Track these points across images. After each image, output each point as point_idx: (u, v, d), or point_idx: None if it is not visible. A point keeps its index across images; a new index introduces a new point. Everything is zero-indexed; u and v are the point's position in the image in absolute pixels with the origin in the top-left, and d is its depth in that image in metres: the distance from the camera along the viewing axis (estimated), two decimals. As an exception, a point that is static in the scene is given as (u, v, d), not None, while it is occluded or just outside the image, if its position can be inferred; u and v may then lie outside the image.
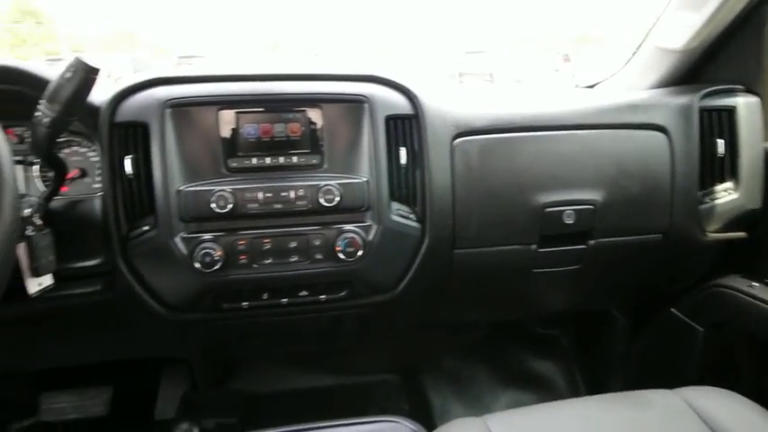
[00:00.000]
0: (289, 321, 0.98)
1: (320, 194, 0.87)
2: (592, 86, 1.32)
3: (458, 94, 1.09)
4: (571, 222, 0.99)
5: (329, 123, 0.90)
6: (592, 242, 1.03)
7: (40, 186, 0.92)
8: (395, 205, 0.93)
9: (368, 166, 0.90)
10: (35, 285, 0.79)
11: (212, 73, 0.91)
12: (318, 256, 0.89)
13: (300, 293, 0.92)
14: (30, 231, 0.77)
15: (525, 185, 0.98)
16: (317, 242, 0.89)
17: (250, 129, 0.88)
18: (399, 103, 0.93)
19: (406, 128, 0.93)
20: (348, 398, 1.44)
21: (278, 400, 1.40)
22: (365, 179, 0.89)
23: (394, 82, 0.93)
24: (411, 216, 0.94)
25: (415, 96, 0.92)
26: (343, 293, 0.94)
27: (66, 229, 0.84)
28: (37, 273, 0.78)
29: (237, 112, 0.88)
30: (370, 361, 1.49)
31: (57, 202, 0.86)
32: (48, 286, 0.81)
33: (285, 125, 0.89)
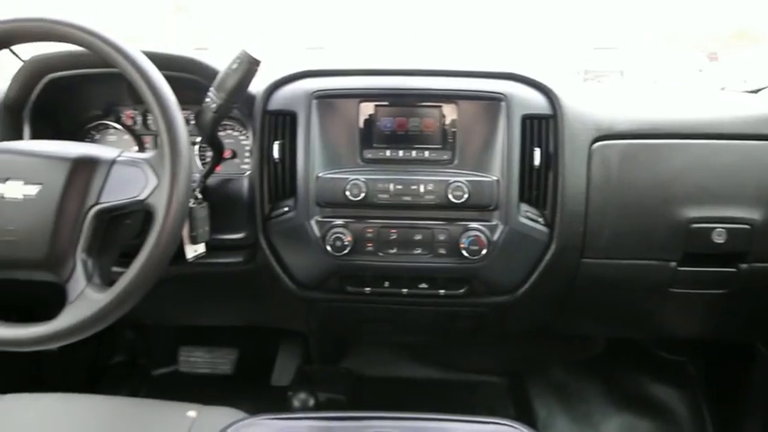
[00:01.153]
0: (405, 311, 1.00)
1: (449, 190, 0.87)
2: (755, 91, 1.17)
3: (599, 94, 1.03)
4: (721, 242, 0.90)
5: (463, 120, 0.90)
6: (744, 266, 0.93)
7: (197, 164, 1.04)
8: (523, 207, 0.91)
9: (499, 166, 0.89)
10: (191, 251, 0.89)
11: (356, 67, 0.95)
12: (442, 251, 0.90)
13: (420, 285, 0.94)
14: (191, 203, 0.87)
15: (670, 197, 0.90)
16: (442, 237, 0.90)
17: (386, 122, 0.92)
18: (538, 103, 0.90)
19: (543, 128, 0.90)
20: (453, 393, 1.45)
21: (384, 384, 1.44)
22: (495, 178, 0.88)
23: (534, 80, 0.91)
24: (539, 220, 0.91)
25: (555, 96, 0.89)
26: (461, 290, 0.94)
27: (217, 204, 0.93)
28: (194, 241, 0.88)
29: (376, 105, 0.91)
30: (477, 360, 1.48)
31: (211, 180, 0.96)
32: (201, 254, 0.91)
33: (420, 120, 0.91)
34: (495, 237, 0.89)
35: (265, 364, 1.49)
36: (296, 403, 1.13)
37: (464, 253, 0.89)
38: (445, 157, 0.91)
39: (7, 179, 0.68)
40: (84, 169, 0.69)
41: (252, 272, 1.00)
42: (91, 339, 0.69)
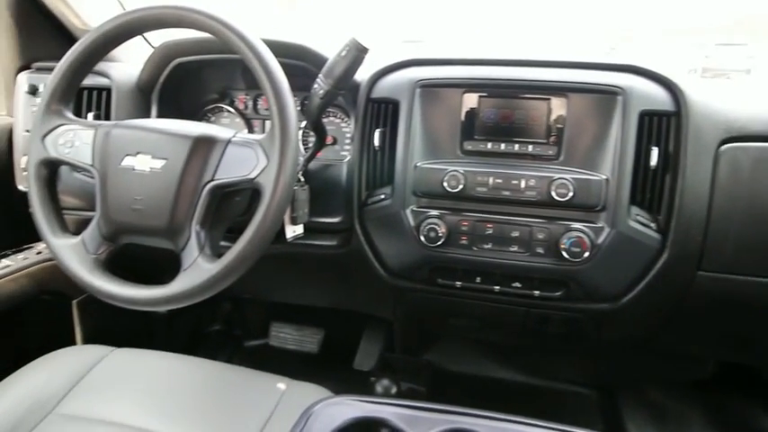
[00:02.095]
0: (495, 309, 0.97)
1: (552, 187, 0.83)
2: None
3: (730, 91, 0.93)
4: None
5: (574, 114, 0.85)
6: None
7: (300, 149, 1.08)
8: (634, 210, 0.84)
9: (610, 164, 0.83)
10: (291, 232, 0.93)
11: (462, 57, 0.94)
12: (539, 250, 0.86)
13: (513, 284, 0.91)
14: (294, 186, 0.91)
15: None
16: (541, 236, 0.86)
17: (490, 113, 0.89)
18: (659, 98, 0.83)
19: (663, 126, 0.83)
20: (536, 399, 1.40)
21: (465, 381, 1.42)
22: (604, 177, 0.83)
23: (657, 74, 0.84)
24: (651, 225, 0.84)
25: (680, 92, 0.81)
26: (558, 293, 0.90)
27: (316, 188, 0.96)
28: (294, 222, 0.91)
29: (480, 96, 0.89)
30: (565, 367, 1.41)
31: (312, 164, 1.00)
32: (299, 234, 0.94)
33: (525, 112, 0.88)
34: (600, 240, 0.83)
35: (349, 347, 1.53)
36: (379, 389, 1.15)
37: (564, 254, 0.84)
38: (550, 152, 0.87)
39: (138, 153, 0.75)
40: (203, 147, 0.74)
41: (345, 256, 1.02)
42: (194, 307, 0.74)
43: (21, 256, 1.12)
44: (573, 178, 0.83)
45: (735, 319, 0.97)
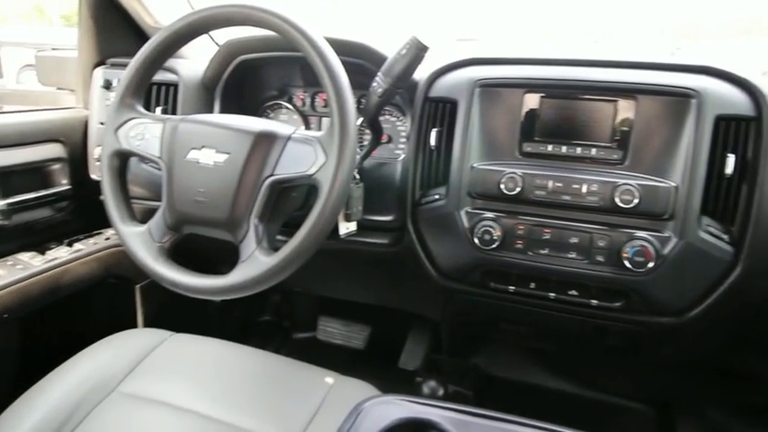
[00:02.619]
0: (549, 317, 0.95)
1: (616, 193, 0.80)
2: None
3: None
4: None
5: (642, 118, 0.81)
6: None
7: None
8: (705, 220, 0.79)
9: (680, 171, 0.79)
10: (344, 228, 0.93)
11: (524, 56, 0.91)
12: (599, 258, 0.83)
13: (570, 292, 0.88)
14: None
15: None
16: (602, 243, 0.82)
17: (551, 114, 0.86)
18: (737, 102, 0.78)
19: (741, 131, 0.77)
20: (588, 412, 1.35)
21: (513, 388, 1.39)
22: (674, 185, 0.78)
23: (736, 76, 0.78)
24: (724, 236, 0.79)
25: (762, 95, 0.76)
26: (617, 304, 0.86)
27: (370, 186, 0.96)
28: (348, 218, 0.92)
29: (542, 97, 0.86)
30: (620, 381, 1.35)
31: (367, 162, 1.00)
32: (352, 231, 0.95)
33: (590, 115, 0.84)
34: (666, 250, 0.79)
35: (394, 346, 1.53)
36: (425, 390, 1.14)
37: (626, 263, 0.80)
38: (615, 156, 0.83)
39: (203, 147, 0.78)
40: (264, 143, 0.75)
41: (396, 255, 1.02)
42: (245, 298, 0.76)
43: (91, 240, 1.19)
44: (639, 184, 0.79)
45: None
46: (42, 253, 1.10)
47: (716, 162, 0.78)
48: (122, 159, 0.85)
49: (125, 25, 1.21)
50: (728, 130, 0.78)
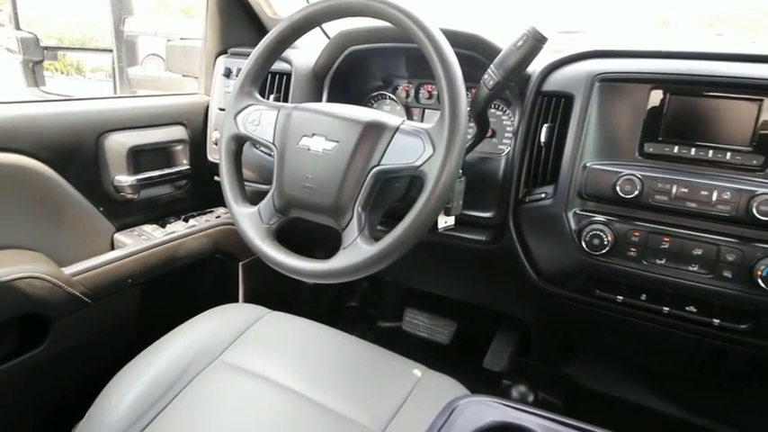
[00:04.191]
0: (660, 333, 0.87)
1: (754, 203, 0.71)
2: None
3: None
4: None
5: None
6: None
7: None
8: None
9: None
10: (443, 222, 0.92)
11: (649, 49, 0.84)
12: (726, 274, 0.75)
13: (687, 308, 0.81)
14: None
15: None
16: (731, 257, 0.74)
17: (680, 113, 0.79)
18: None
19: None
20: None
21: (607, 403, 1.31)
22: None
23: None
24: None
25: None
26: (743, 326, 0.77)
27: (472, 180, 0.94)
28: (448, 213, 0.90)
29: (670, 94, 0.79)
30: (730, 408, 1.22)
31: (469, 156, 0.98)
32: (450, 226, 0.93)
33: (725, 114, 0.76)
34: None
35: (479, 345, 1.50)
36: (514, 394, 1.11)
37: (759, 282, 0.72)
38: (755, 162, 0.74)
39: (314, 134, 0.80)
40: (372, 132, 0.76)
41: (494, 252, 0.99)
42: (337, 283, 0.77)
43: (204, 218, 1.28)
44: None
45: None
46: (163, 226, 1.21)
47: None
48: (239, 143, 0.90)
49: (246, 17, 1.28)
50: None
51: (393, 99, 1.16)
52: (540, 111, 0.88)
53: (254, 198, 0.89)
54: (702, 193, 0.75)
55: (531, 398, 1.10)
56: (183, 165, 1.25)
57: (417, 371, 0.88)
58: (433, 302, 1.60)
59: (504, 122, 1.04)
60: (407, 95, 1.15)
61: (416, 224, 0.71)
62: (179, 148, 1.24)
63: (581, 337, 1.14)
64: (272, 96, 1.13)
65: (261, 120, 0.87)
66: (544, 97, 0.88)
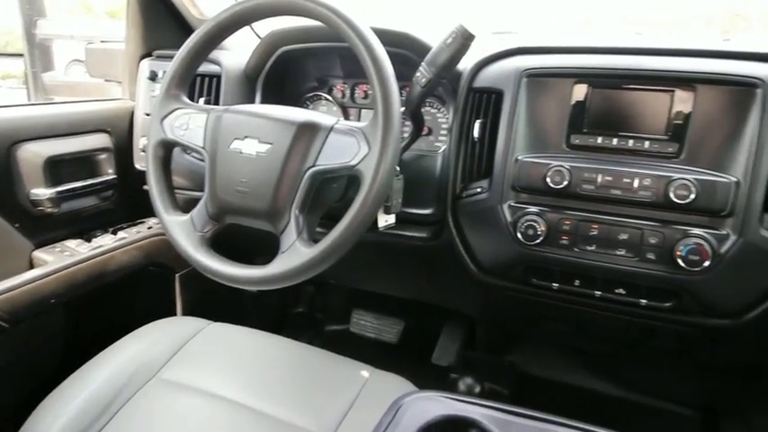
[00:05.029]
0: (594, 316, 0.91)
1: (671, 188, 0.76)
2: None
3: None
4: None
5: (701, 108, 0.77)
6: None
7: None
8: None
9: (743, 165, 0.74)
10: (383, 221, 0.92)
11: (572, 45, 0.88)
12: (650, 256, 0.79)
13: (617, 290, 0.85)
14: None
15: None
16: (653, 240, 0.79)
17: (602, 105, 0.83)
18: None
19: None
20: (630, 415, 1.30)
21: (551, 388, 1.36)
22: (734, 180, 0.74)
23: None
24: None
25: None
26: (668, 304, 0.82)
27: (410, 178, 0.94)
28: (387, 211, 0.90)
29: (593, 87, 0.83)
30: (664, 383, 1.30)
31: (406, 154, 0.98)
32: (391, 224, 0.93)
33: (643, 105, 0.81)
34: (724, 248, 0.75)
35: (427, 341, 1.51)
36: (462, 387, 1.13)
37: (679, 262, 0.77)
38: (670, 149, 0.79)
39: (246, 137, 0.78)
40: (306, 133, 0.75)
41: (434, 249, 1.00)
42: (280, 289, 0.76)
43: (134, 229, 1.22)
44: (696, 179, 0.75)
45: None
46: (88, 240, 1.13)
47: None
48: (167, 149, 0.86)
49: (170, 17, 1.23)
50: None
51: (329, 99, 1.15)
52: (472, 107, 0.90)
53: (188, 206, 0.85)
54: (625, 180, 0.79)
55: (477, 389, 1.13)
56: (109, 174, 1.19)
57: (365, 372, 0.87)
58: (379, 302, 1.60)
59: (440, 120, 1.06)
60: (343, 95, 1.14)
61: (355, 224, 0.70)
62: (103, 156, 1.17)
63: (523, 326, 1.17)
64: (201, 100, 1.09)
65: (190, 124, 0.84)
66: (475, 94, 0.90)
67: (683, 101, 0.78)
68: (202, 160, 0.82)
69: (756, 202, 0.74)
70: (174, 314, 1.30)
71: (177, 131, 0.84)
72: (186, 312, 1.30)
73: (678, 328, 0.87)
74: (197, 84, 1.09)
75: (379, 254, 1.16)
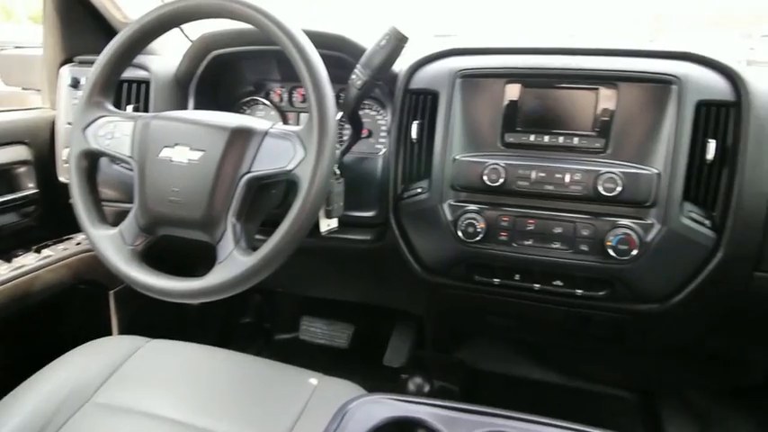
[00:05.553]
0: (534, 308, 0.94)
1: (599, 182, 0.79)
2: None
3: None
4: None
5: (624, 105, 0.81)
6: None
7: None
8: (687, 206, 0.79)
9: (662, 158, 0.79)
10: (325, 225, 0.91)
11: (504, 45, 0.90)
12: (583, 248, 0.83)
13: (555, 282, 0.88)
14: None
15: None
16: (585, 232, 0.82)
17: (533, 104, 0.85)
18: (717, 87, 0.78)
19: (721, 117, 0.78)
20: (574, 402, 1.35)
21: (499, 381, 1.39)
22: (656, 171, 0.78)
23: (716, 61, 0.79)
24: (705, 222, 0.80)
25: (741, 80, 0.76)
26: (601, 293, 0.86)
27: (351, 181, 0.94)
28: (329, 215, 0.90)
29: (524, 87, 0.85)
30: (604, 370, 1.36)
31: (347, 157, 0.98)
32: (333, 228, 0.93)
33: (571, 103, 0.84)
34: (650, 237, 0.79)
35: (379, 344, 1.51)
36: (411, 387, 1.13)
37: (610, 252, 0.80)
38: (597, 145, 0.83)
39: (176, 144, 0.75)
40: (240, 139, 0.73)
41: (379, 251, 1.00)
42: (226, 300, 0.74)
43: (61, 246, 1.15)
44: (621, 172, 0.79)
45: None
46: (8, 260, 1.06)
47: (697, 148, 0.78)
48: (91, 160, 0.82)
49: (92, 21, 1.16)
50: (709, 116, 0.78)
51: (266, 104, 1.12)
52: (409, 108, 0.91)
53: (119, 219, 0.81)
54: (557, 176, 0.82)
55: (427, 388, 1.14)
56: (29, 189, 1.11)
57: (313, 379, 0.86)
58: (329, 308, 1.59)
59: (380, 122, 1.06)
60: (281, 99, 1.12)
61: (294, 229, 0.69)
62: (22, 170, 1.10)
63: (470, 323, 1.19)
64: (129, 107, 1.04)
65: (115, 132, 0.80)
66: (412, 95, 0.91)
67: (607, 98, 0.82)
68: (131, 170, 0.78)
69: (676, 193, 0.78)
70: (110, 334, 1.24)
71: (102, 141, 0.80)
72: (123, 331, 1.24)
73: (612, 315, 0.91)
74: (124, 90, 1.04)
75: (324, 259, 1.15)
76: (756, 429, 1.25)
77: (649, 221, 0.79)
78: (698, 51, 0.80)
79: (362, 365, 1.49)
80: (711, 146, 0.77)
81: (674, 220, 0.78)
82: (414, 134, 0.89)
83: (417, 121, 0.90)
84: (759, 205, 0.77)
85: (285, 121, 1.13)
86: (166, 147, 0.75)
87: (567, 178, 0.81)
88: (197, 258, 1.15)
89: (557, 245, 0.84)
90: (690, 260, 0.81)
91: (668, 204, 0.78)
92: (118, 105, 1.01)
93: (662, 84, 0.79)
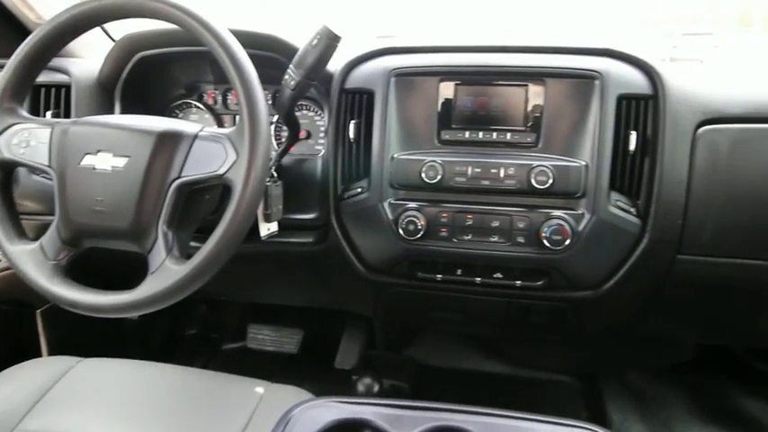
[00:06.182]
0: (477, 301, 0.96)
1: (532, 175, 0.82)
2: None
3: (705, 74, 0.93)
4: None
5: (552, 100, 0.84)
6: None
7: (273, 143, 1.04)
8: (614, 196, 0.83)
9: (589, 150, 0.82)
10: (265, 230, 0.89)
11: (438, 44, 0.91)
12: (520, 240, 0.85)
13: (495, 275, 0.90)
14: (267, 182, 0.87)
15: None
16: (521, 225, 0.84)
17: (467, 101, 0.87)
18: (636, 82, 0.82)
19: (641, 110, 0.82)
20: (520, 390, 1.39)
21: (448, 376, 1.41)
22: (584, 163, 0.82)
23: (633, 57, 0.83)
24: (631, 210, 0.84)
25: (657, 75, 0.81)
26: (539, 283, 0.89)
27: (291, 184, 0.92)
28: (268, 219, 0.88)
29: (457, 84, 0.87)
30: (547, 357, 1.41)
31: (285, 160, 0.96)
32: (273, 232, 0.91)
33: (503, 100, 0.86)
34: (581, 227, 0.82)
35: (329, 347, 1.50)
36: (360, 388, 1.13)
37: (545, 243, 0.83)
38: (529, 139, 0.85)
39: (98, 151, 0.71)
40: (168, 143, 0.70)
41: (322, 253, 0.99)
42: (168, 311, 0.71)
43: (-22, 265, 1.06)
44: (552, 165, 0.81)
45: (714, 302, 0.98)
46: None
47: (620, 140, 0.82)
48: (5, 170, 0.77)
49: (2, 21, 1.08)
50: (630, 109, 0.82)
51: (200, 107, 1.09)
52: (345, 108, 0.90)
53: (41, 233, 0.76)
54: (492, 171, 0.84)
55: (376, 388, 1.14)
56: None
57: (259, 388, 0.84)
58: (276, 314, 1.56)
59: (318, 123, 1.05)
60: (215, 102, 1.09)
61: (229, 235, 0.67)
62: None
63: (416, 320, 1.20)
64: (49, 113, 0.97)
65: (31, 140, 0.75)
66: (348, 95, 0.90)
67: (536, 94, 0.85)
68: (51, 180, 0.74)
69: (603, 183, 0.82)
70: (39, 355, 1.16)
71: (15, 150, 0.74)
72: (54, 352, 1.16)
73: (551, 304, 0.94)
74: (41, 96, 0.98)
75: (267, 264, 1.12)
76: (689, 402, 1.34)
77: (580, 212, 0.83)
78: (618, 48, 0.84)
79: (313, 370, 1.48)
80: (633, 137, 0.81)
81: (602, 209, 0.82)
82: (351, 134, 0.89)
83: (354, 121, 0.89)
84: (678, 192, 0.82)
85: (220, 124, 1.09)
86: (88, 154, 0.71)
87: (502, 173, 0.83)
88: (130, 271, 1.10)
89: (495, 238, 0.86)
90: (618, 247, 0.85)
91: (596, 194, 0.82)
92: (36, 112, 0.95)
93: (585, 79, 0.82)
